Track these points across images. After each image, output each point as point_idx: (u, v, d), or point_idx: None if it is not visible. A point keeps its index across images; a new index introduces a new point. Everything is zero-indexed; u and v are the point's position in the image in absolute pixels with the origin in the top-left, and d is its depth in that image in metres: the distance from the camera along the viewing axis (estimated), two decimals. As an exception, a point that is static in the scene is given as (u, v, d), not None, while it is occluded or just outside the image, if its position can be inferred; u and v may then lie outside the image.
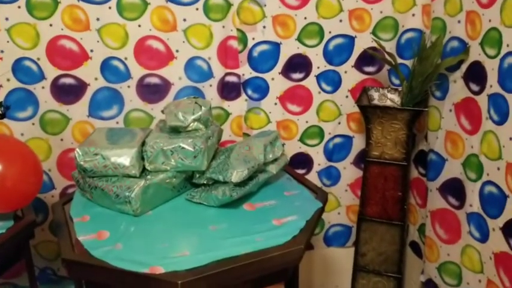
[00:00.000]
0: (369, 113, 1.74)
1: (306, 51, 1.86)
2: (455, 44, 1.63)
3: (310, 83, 1.90)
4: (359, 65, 1.91)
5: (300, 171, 1.97)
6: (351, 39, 1.87)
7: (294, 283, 1.52)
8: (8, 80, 1.68)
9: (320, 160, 2.00)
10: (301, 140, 1.97)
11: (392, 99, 1.85)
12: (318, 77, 1.90)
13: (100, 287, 1.18)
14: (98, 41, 1.71)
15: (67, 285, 1.93)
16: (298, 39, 1.84)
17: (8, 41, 1.65)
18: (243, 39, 1.82)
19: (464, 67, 1.57)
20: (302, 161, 1.99)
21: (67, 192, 1.82)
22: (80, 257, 1.12)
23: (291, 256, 1.17)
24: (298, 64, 1.88)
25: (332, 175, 2.02)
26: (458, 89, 1.62)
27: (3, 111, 1.35)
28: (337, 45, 1.87)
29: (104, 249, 1.14)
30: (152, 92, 1.80)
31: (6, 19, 1.63)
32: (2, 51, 1.66)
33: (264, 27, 1.81)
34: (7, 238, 1.22)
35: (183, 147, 1.39)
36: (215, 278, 1.07)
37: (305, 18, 1.82)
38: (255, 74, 1.86)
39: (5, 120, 1.67)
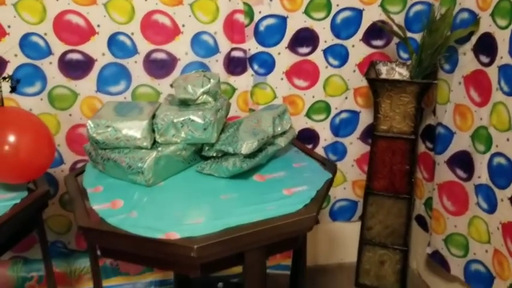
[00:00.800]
0: (377, 87, 1.75)
1: (313, 24, 1.86)
2: (465, 15, 1.62)
3: (317, 57, 1.90)
4: (367, 38, 1.90)
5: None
6: (359, 12, 1.86)
7: (302, 253, 1.55)
8: (16, 55, 1.68)
9: (326, 135, 2.01)
10: (307, 115, 1.98)
11: (400, 73, 1.85)
12: (325, 51, 1.89)
13: (116, 254, 1.20)
14: (105, 16, 1.71)
15: (78, 258, 1.96)
16: (306, 12, 1.84)
17: (14, 16, 1.64)
18: (249, 13, 1.81)
19: (474, 39, 1.57)
20: (308, 136, 2.00)
21: (76, 167, 1.83)
22: (97, 224, 1.14)
23: (303, 224, 1.18)
24: (305, 38, 1.87)
25: (338, 150, 2.04)
26: (467, 61, 1.61)
27: (14, 84, 1.35)
28: (345, 18, 1.86)
29: (120, 217, 1.16)
30: (158, 67, 1.80)
31: (11, -6, 1.62)
32: (9, 27, 1.65)
33: (271, 0, 1.80)
34: (22, 208, 1.24)
35: (193, 120, 1.39)
36: (229, 244, 1.09)
37: (312, -9, 1.81)
38: (261, 48, 1.86)
39: (13, 96, 1.68)
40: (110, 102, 1.58)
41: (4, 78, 1.34)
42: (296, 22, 1.85)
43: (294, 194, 1.28)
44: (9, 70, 1.68)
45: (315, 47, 1.89)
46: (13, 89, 1.36)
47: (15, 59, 1.68)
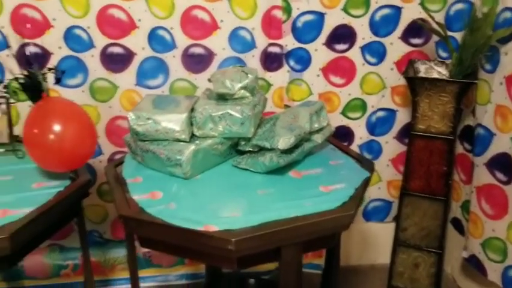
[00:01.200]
0: (416, 86, 1.72)
1: (351, 21, 1.84)
2: (507, 14, 1.58)
3: (355, 54, 1.88)
4: (406, 36, 1.87)
5: (342, 144, 1.97)
6: (398, 10, 1.84)
7: (335, 252, 1.54)
8: (60, 47, 1.73)
9: (361, 134, 1.99)
10: (343, 112, 1.96)
11: (439, 72, 1.82)
12: (363, 49, 1.87)
13: (154, 244, 1.22)
14: (145, 11, 1.73)
15: (112, 247, 2.00)
16: (344, 9, 1.82)
17: (59, 9, 1.69)
18: (287, 9, 1.81)
19: (516, 38, 1.53)
20: (343, 134, 1.98)
21: (114, 158, 1.87)
22: (137, 214, 1.16)
23: (341, 221, 1.18)
24: (343, 35, 1.86)
25: (373, 149, 2.01)
26: (509, 61, 1.57)
27: (59, 75, 1.39)
28: (384, 15, 1.84)
29: (159, 208, 1.17)
30: (196, 62, 1.82)
31: (58, -12, 1.66)
32: (54, 19, 1.70)
33: (310, -4, 1.80)
34: (65, 195, 1.27)
35: (231, 114, 1.40)
36: (267, 238, 1.09)
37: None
38: (298, 44, 1.86)
39: (57, 87, 1.72)
40: (150, 95, 1.60)
41: (50, 69, 1.37)
42: (334, 19, 1.83)
43: (331, 192, 1.27)
44: (53, 62, 1.72)
45: (352, 44, 1.87)
46: (58, 80, 1.39)
47: (59, 51, 1.73)
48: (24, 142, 1.30)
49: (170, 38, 1.78)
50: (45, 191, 1.29)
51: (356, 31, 1.85)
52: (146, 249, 1.92)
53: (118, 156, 1.88)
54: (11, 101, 1.51)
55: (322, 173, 1.39)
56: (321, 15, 1.82)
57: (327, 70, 1.90)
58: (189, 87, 1.85)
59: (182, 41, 1.79)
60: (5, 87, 1.41)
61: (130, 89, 1.82)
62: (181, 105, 1.46)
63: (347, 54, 1.88)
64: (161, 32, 1.77)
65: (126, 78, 1.80)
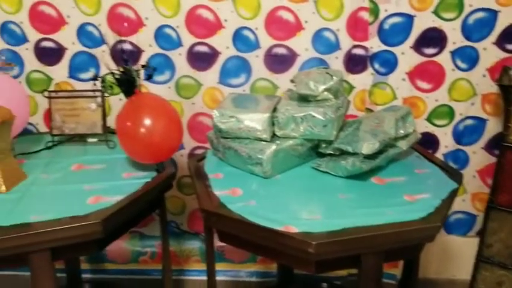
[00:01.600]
0: (510, 94, 1.61)
1: (442, 25, 1.76)
2: None
3: (444, 59, 1.80)
4: (501, 42, 1.76)
5: (425, 152, 1.90)
6: (493, 14, 1.73)
7: (414, 264, 1.49)
8: (150, 45, 1.81)
9: (447, 142, 1.90)
10: (428, 119, 1.89)
11: (538, 80, 1.69)
12: (454, 53, 1.79)
13: (232, 239, 1.24)
14: (232, 11, 1.77)
15: (188, 239, 2.07)
16: (435, 12, 1.75)
17: (152, 9, 1.77)
18: (374, 10, 1.76)
19: None
20: (427, 141, 1.90)
21: (194, 152, 1.93)
22: (218, 209, 1.19)
23: (426, 233, 1.13)
24: (432, 38, 1.78)
25: (459, 159, 1.91)
26: None
27: (151, 72, 1.45)
28: (477, 19, 1.74)
29: (239, 205, 1.20)
30: (278, 62, 1.83)
31: (151, -13, 1.74)
32: (147, 18, 1.78)
33: (399, -2, 1.74)
34: (152, 186, 1.33)
35: (314, 116, 1.39)
36: (348, 244, 1.07)
37: (445, -11, 1.72)
38: (384, 47, 1.81)
39: (145, 83, 1.81)
40: (233, 93, 1.64)
41: (143, 66, 1.44)
42: (424, 21, 1.76)
43: (416, 201, 1.23)
44: (143, 59, 1.81)
45: (442, 48, 1.79)
46: (149, 77, 1.46)
47: (150, 49, 1.81)
48: (118, 134, 1.38)
49: (255, 38, 1.80)
50: (134, 180, 1.35)
51: (446, 35, 1.77)
52: (220, 243, 1.97)
53: (198, 151, 1.93)
54: (106, 94, 1.61)
55: (406, 181, 1.35)
56: (410, 18, 1.76)
57: (414, 74, 1.83)
58: (270, 87, 1.86)
59: (266, 41, 1.80)
60: (102, 81, 1.49)
61: (213, 86, 1.87)
62: (263, 105, 1.48)
63: (435, 58, 1.80)
64: (245, 32, 1.80)
65: (210, 76, 1.85)
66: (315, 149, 1.48)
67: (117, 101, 1.87)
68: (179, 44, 1.81)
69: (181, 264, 2.10)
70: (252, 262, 2.09)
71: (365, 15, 1.76)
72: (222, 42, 1.81)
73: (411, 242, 1.16)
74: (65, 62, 1.86)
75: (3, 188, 1.30)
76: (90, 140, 1.66)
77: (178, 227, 2.05)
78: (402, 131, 1.45)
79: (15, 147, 1.55)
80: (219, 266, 2.09)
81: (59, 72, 1.87)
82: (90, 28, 1.80)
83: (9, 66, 1.67)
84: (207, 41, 1.81)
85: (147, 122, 1.31)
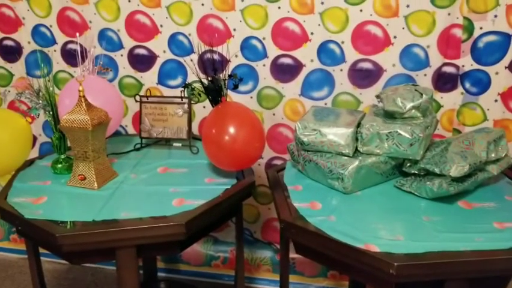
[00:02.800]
0: None
1: (543, 45, 1.65)
2: None
3: (543, 81, 1.69)
4: None
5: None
6: None
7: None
8: (236, 56, 1.86)
9: (541, 169, 1.77)
10: (521, 143, 1.77)
11: None
12: (554, 75, 1.67)
13: (309, 252, 1.24)
14: (319, 25, 1.78)
15: (260, 248, 2.09)
16: (537, 30, 1.64)
17: (240, 20, 1.82)
18: (468, 28, 1.69)
19: None
20: (519, 167, 1.78)
21: (272, 162, 1.95)
22: (298, 221, 1.19)
23: (516, 264, 1.06)
24: (531, 59, 1.68)
25: (554, 188, 1.77)
26: None
27: (238, 82, 1.49)
28: None
29: (319, 219, 1.19)
30: (363, 77, 1.81)
31: (242, 0, 1.79)
32: (235, 30, 1.84)
33: (496, 16, 1.66)
34: (232, 193, 1.36)
35: (400, 134, 1.36)
36: (431, 269, 1.03)
37: (547, 7, 1.61)
38: (476, 66, 1.73)
39: (229, 92, 1.85)
40: (316, 106, 1.64)
41: (230, 76, 1.49)
42: (522, 41, 1.67)
43: (506, 229, 1.16)
44: (229, 69, 1.87)
45: (541, 69, 1.68)
46: (236, 87, 1.50)
47: (235, 60, 1.86)
48: (202, 140, 1.43)
49: (340, 51, 1.79)
50: (215, 186, 1.40)
51: (547, 55, 1.66)
52: (292, 255, 1.97)
53: (275, 161, 1.95)
54: (192, 101, 1.68)
55: (496, 208, 1.27)
56: (507, 37, 1.67)
57: (507, 96, 1.73)
58: (353, 101, 1.84)
59: (352, 55, 1.79)
60: (192, 89, 1.56)
61: (294, 98, 1.88)
62: (346, 120, 1.46)
63: (533, 80, 1.69)
64: (331, 46, 1.79)
65: (292, 88, 1.87)
66: (399, 168, 1.44)
67: (201, 108, 1.94)
68: (264, 55, 1.85)
69: (251, 272, 2.12)
70: (323, 277, 2.06)
71: (458, 33, 1.70)
72: (307, 55, 1.82)
73: (499, 272, 1.09)
74: (155, 69, 1.96)
75: (96, 184, 1.39)
76: (175, 144, 1.73)
77: (251, 234, 2.08)
78: (493, 155, 1.38)
79: (107, 147, 1.66)
80: (289, 278, 2.09)
81: (150, 78, 1.97)
82: (181, 37, 1.89)
83: (106, 71, 1.79)
84: (291, 53, 1.83)
85: (232, 130, 1.35)
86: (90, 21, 1.92)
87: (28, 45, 2.01)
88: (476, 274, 1.07)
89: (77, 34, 1.74)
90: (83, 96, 1.35)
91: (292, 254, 1.30)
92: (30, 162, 1.59)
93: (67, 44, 1.98)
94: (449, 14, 1.68)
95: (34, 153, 2.10)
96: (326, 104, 1.87)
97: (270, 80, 1.88)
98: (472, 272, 1.06)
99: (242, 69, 1.88)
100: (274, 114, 1.92)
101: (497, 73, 1.72)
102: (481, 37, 1.70)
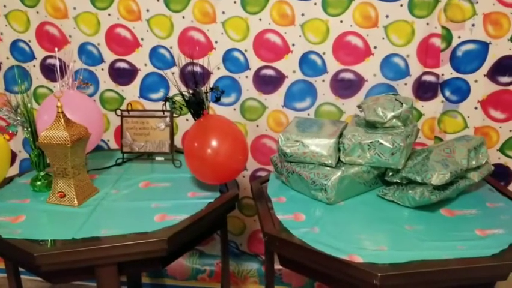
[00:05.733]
0: None
1: (520, 52, 1.68)
2: None
3: (521, 88, 1.71)
4: None
5: (497, 185, 1.80)
6: None
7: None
8: (218, 68, 1.86)
9: (522, 175, 1.80)
10: (501, 150, 1.79)
11: None
12: (532, 82, 1.70)
13: (293, 264, 1.23)
14: (300, 36, 1.78)
15: (246, 260, 2.07)
16: (512, 39, 1.67)
17: (222, 33, 1.82)
18: (447, 37, 1.72)
19: None
20: (500, 173, 1.80)
21: (256, 174, 1.94)
22: (282, 234, 1.18)
23: (498, 271, 1.07)
24: (509, 67, 1.71)
25: (536, 194, 1.80)
26: None
27: (219, 95, 1.49)
28: (560, 46, 1.65)
29: (303, 231, 1.19)
30: (345, 87, 1.82)
31: (223, 12, 1.79)
32: (216, 42, 1.83)
33: (473, 25, 1.69)
34: (216, 206, 1.35)
35: (381, 143, 1.37)
36: (414, 278, 1.03)
37: (522, 16, 1.64)
38: (456, 74, 1.75)
39: (211, 104, 1.85)
40: (298, 117, 1.64)
41: (212, 89, 1.48)
42: (500, 49, 1.69)
43: (488, 236, 1.17)
44: (211, 81, 1.86)
45: (519, 76, 1.71)
46: (218, 99, 1.50)
47: (218, 72, 1.86)
48: (185, 154, 1.42)
49: (322, 62, 1.80)
50: (198, 200, 1.38)
51: (524, 63, 1.69)
52: (278, 266, 1.95)
53: (260, 173, 1.95)
54: (175, 115, 1.67)
55: (478, 215, 1.28)
56: (485, 45, 1.69)
57: (487, 103, 1.75)
58: (335, 111, 1.85)
59: (333, 65, 1.80)
60: (173, 102, 1.55)
61: (277, 109, 1.88)
62: (328, 130, 1.47)
63: (511, 87, 1.72)
64: (313, 57, 1.80)
65: (275, 99, 1.87)
66: (381, 177, 1.45)
67: (184, 121, 1.93)
68: (246, 67, 1.85)
69: (238, 284, 2.10)
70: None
71: (437, 42, 1.72)
72: (289, 66, 1.83)
73: (482, 279, 1.10)
74: (137, 82, 1.95)
75: (76, 201, 1.37)
76: (158, 158, 1.72)
77: (237, 247, 2.06)
78: (474, 162, 1.39)
79: (88, 163, 1.63)
80: (275, 290, 2.08)
81: (131, 91, 1.96)
82: (162, 50, 1.88)
83: (86, 86, 1.78)
84: (273, 64, 1.83)
85: (214, 143, 1.34)
86: (70, 36, 1.91)
87: (7, 60, 1.99)
88: (460, 282, 1.07)
89: (56, 49, 1.72)
90: (62, 112, 1.33)
91: (279, 265, 1.29)
92: (9, 179, 1.56)
93: (46, 59, 1.96)
94: (427, 24, 1.70)
95: (15, 170, 2.07)
96: (308, 114, 1.87)
97: (253, 91, 1.87)
98: (455, 280, 1.06)
99: (224, 82, 1.88)
100: (257, 126, 1.91)
101: (476, 81, 1.74)
102: (460, 46, 1.72)
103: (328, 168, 1.39)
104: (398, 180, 1.38)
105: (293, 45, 1.80)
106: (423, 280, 1.04)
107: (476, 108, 1.76)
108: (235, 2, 1.77)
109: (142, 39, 1.88)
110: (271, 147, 1.91)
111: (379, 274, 1.01)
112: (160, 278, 2.15)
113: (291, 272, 1.87)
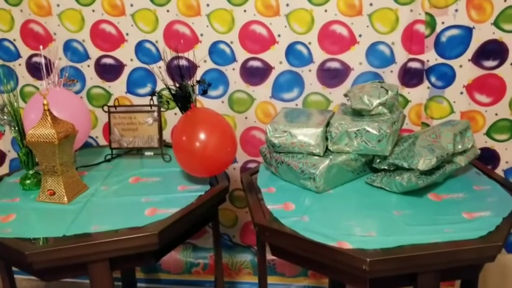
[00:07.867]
0: None
1: (503, 36, 1.70)
2: None
3: (505, 72, 1.73)
4: None
5: (484, 168, 1.82)
6: (561, 24, 1.65)
7: (472, 284, 1.42)
8: (205, 61, 1.86)
9: (508, 157, 1.82)
10: (487, 134, 1.81)
11: None
12: (516, 66, 1.71)
13: (284, 254, 1.24)
14: (285, 26, 1.78)
15: (240, 252, 2.08)
16: (495, 23, 1.69)
17: (207, 26, 1.82)
18: (431, 23, 1.73)
19: None
20: (487, 156, 1.82)
21: (246, 166, 1.95)
22: (272, 223, 1.19)
23: (485, 252, 1.09)
24: (493, 51, 1.72)
25: (522, 176, 1.83)
26: None
27: (206, 87, 1.49)
28: (543, 30, 1.66)
29: (292, 220, 1.20)
30: (331, 76, 1.83)
31: (208, 5, 1.79)
32: (202, 35, 1.83)
33: (456, 10, 1.70)
34: (206, 199, 1.36)
35: (368, 131, 1.38)
36: (403, 262, 1.05)
37: (505, 0, 1.65)
38: (441, 60, 1.76)
39: (199, 97, 1.85)
40: (286, 108, 1.65)
41: (198, 82, 1.49)
42: (483, 33, 1.71)
43: (475, 219, 1.19)
44: (198, 74, 1.86)
45: (503, 60, 1.72)
46: (204, 92, 1.50)
47: (204, 65, 1.86)
48: (173, 148, 1.43)
49: (308, 52, 1.81)
50: (188, 194, 1.39)
51: (508, 47, 1.70)
52: (272, 257, 1.97)
53: (250, 165, 1.95)
54: (162, 109, 1.67)
55: (465, 198, 1.30)
56: (468, 30, 1.71)
57: (472, 88, 1.77)
58: (323, 101, 1.86)
59: (319, 55, 1.80)
60: (159, 96, 1.55)
61: (265, 101, 1.89)
62: (316, 120, 1.48)
63: (496, 71, 1.73)
64: (299, 47, 1.81)
65: (263, 90, 1.87)
66: (369, 164, 1.46)
67: (172, 116, 1.93)
68: (233, 59, 1.85)
69: (232, 276, 2.12)
70: (304, 276, 2.07)
71: (421, 28, 1.73)
72: (275, 57, 1.83)
73: (470, 261, 1.12)
74: (123, 78, 1.94)
75: (65, 199, 1.37)
76: (147, 153, 1.72)
77: (230, 239, 2.07)
78: (460, 147, 1.41)
79: (77, 160, 1.63)
80: (270, 280, 2.08)
81: (118, 87, 1.95)
82: (148, 45, 1.88)
83: (72, 83, 1.77)
84: (260, 56, 1.83)
85: (202, 136, 1.35)
86: (54, 33, 1.89)
87: (-9, 60, 1.97)
88: (448, 265, 1.09)
89: (41, 47, 1.71)
90: (48, 110, 1.33)
91: (271, 256, 1.31)
92: (-1, 179, 1.56)
93: (32, 57, 1.94)
94: (411, 11, 1.71)
95: (5, 169, 2.06)
96: (296, 105, 1.88)
97: (240, 83, 1.88)
98: (444, 263, 1.07)
99: (212, 74, 1.88)
100: (246, 118, 1.92)
101: (461, 66, 1.75)
102: (444, 31, 1.73)
103: (316, 157, 1.40)
104: (386, 167, 1.40)
105: (279, 36, 1.80)
106: (412, 264, 1.06)
107: (461, 93, 1.78)
108: (215, -6, 1.77)
109: (127, 34, 1.87)
110: (260, 138, 1.92)
111: (368, 259, 1.02)
112: (154, 272, 2.16)
113: (284, 261, 1.90)
